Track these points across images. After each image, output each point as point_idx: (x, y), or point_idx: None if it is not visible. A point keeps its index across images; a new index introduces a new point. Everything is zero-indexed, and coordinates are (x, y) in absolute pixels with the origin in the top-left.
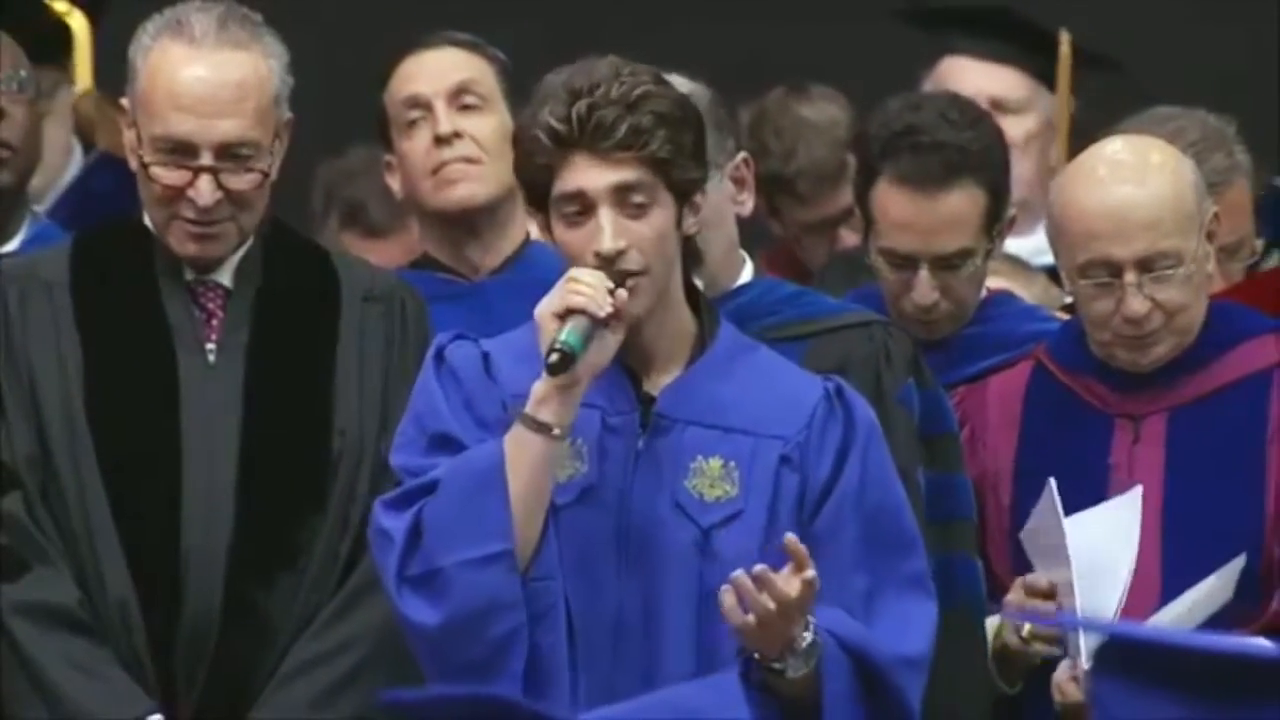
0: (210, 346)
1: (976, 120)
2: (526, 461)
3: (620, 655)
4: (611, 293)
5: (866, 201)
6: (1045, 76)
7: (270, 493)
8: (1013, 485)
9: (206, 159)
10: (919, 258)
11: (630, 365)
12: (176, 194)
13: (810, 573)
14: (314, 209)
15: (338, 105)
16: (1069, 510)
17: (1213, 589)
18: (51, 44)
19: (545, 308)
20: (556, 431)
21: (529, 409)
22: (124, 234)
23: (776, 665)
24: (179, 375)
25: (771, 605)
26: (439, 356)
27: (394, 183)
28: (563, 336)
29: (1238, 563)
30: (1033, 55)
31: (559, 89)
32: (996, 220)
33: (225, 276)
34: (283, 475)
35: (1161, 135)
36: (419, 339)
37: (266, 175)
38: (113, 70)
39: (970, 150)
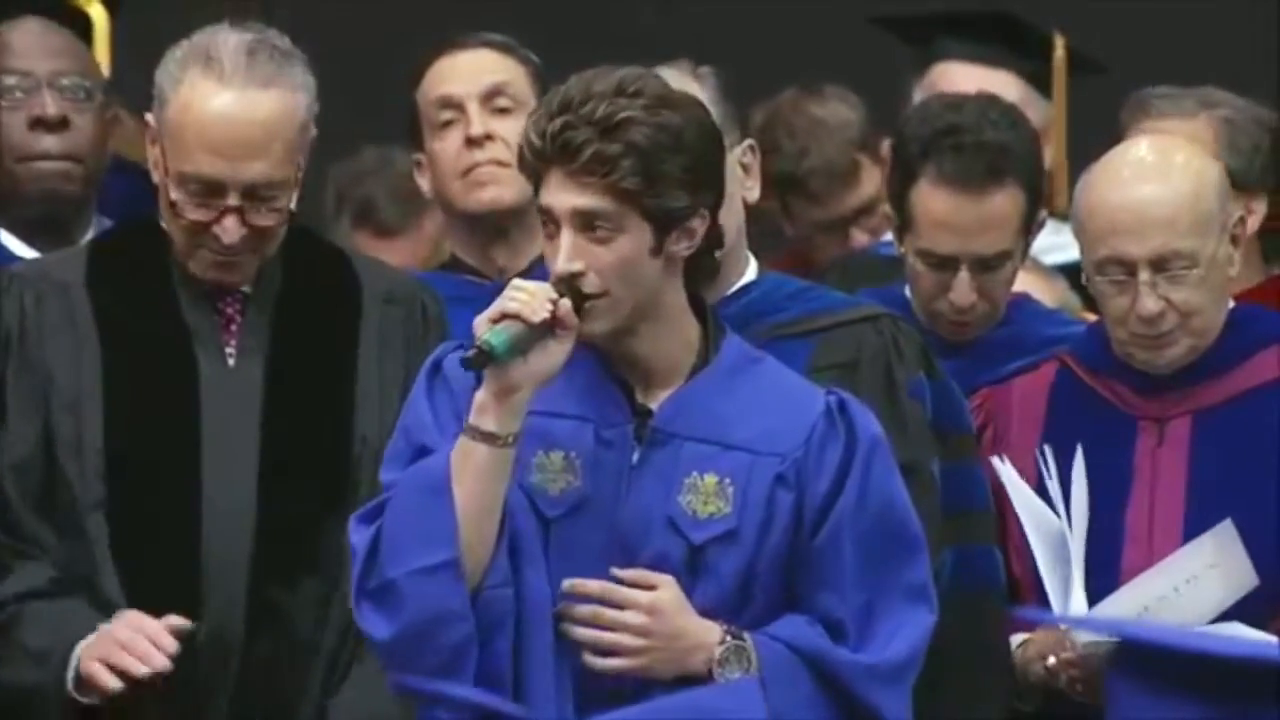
0: (230, 350)
1: (1016, 120)
2: (471, 471)
3: None
4: (554, 302)
5: (904, 202)
6: (1038, 80)
7: (291, 497)
8: (1036, 487)
9: (233, 199)
10: (959, 259)
11: (624, 379)
12: (203, 229)
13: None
14: (326, 209)
15: (349, 106)
16: (1091, 510)
17: (1196, 564)
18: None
19: (481, 315)
20: (500, 440)
21: (471, 418)
22: (140, 235)
23: (713, 682)
24: (199, 379)
25: (589, 609)
26: (435, 368)
27: (423, 182)
28: (486, 335)
29: (1225, 531)
30: (1026, 60)
31: (553, 99)
32: (1032, 221)
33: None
34: (303, 479)
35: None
36: (439, 341)
37: (290, 210)
38: (131, 61)
39: (1013, 150)
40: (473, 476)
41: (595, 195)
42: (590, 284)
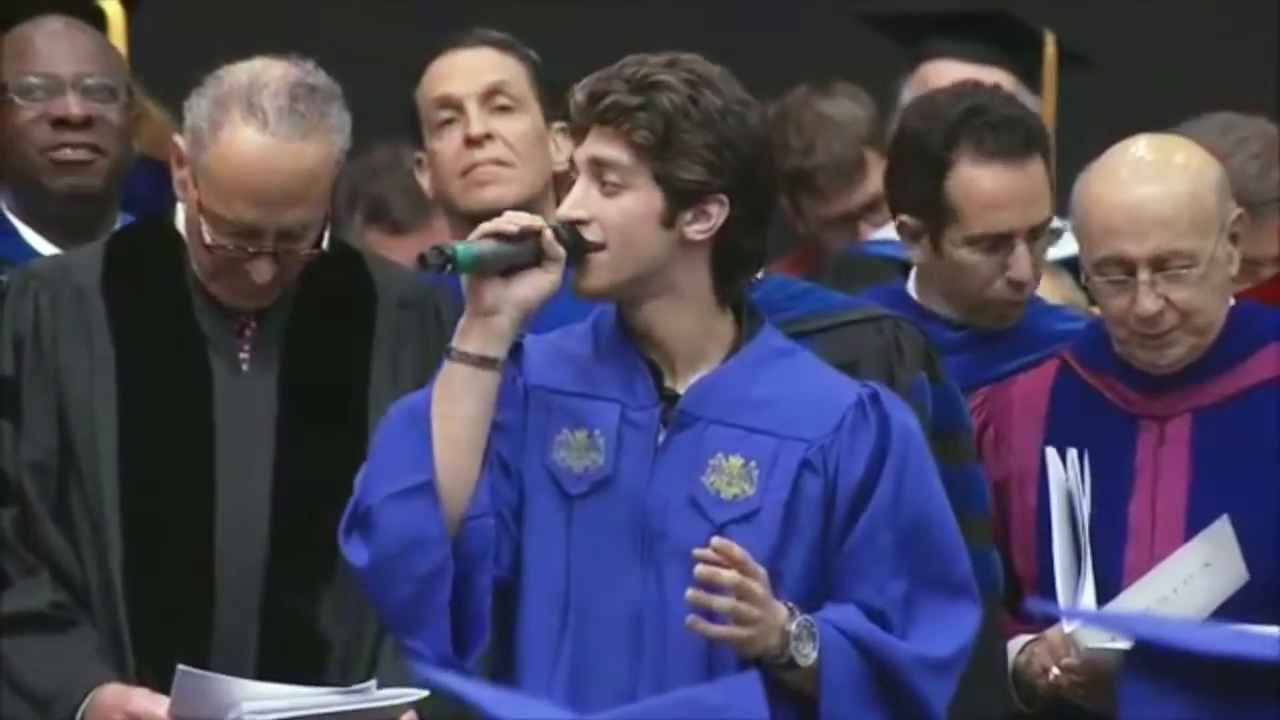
0: (244, 356)
1: (1017, 99)
2: (451, 394)
3: (631, 648)
4: (540, 230)
5: (940, 196)
6: (1028, 78)
7: (306, 502)
8: (1038, 486)
9: (268, 243)
10: (1014, 233)
11: (652, 361)
12: (234, 264)
13: (739, 552)
14: (338, 206)
15: (360, 103)
16: (1094, 506)
17: (1193, 564)
18: None
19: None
20: (480, 361)
21: (454, 341)
22: (156, 237)
23: (784, 660)
24: (213, 383)
25: (737, 576)
26: None
27: (424, 181)
28: (456, 243)
29: (1220, 530)
30: (1017, 57)
31: (613, 66)
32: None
33: None
34: (318, 484)
35: (1224, 144)
36: None
37: (321, 246)
38: (147, 56)
39: (1035, 123)
40: (453, 399)
41: (611, 145)
42: (592, 232)
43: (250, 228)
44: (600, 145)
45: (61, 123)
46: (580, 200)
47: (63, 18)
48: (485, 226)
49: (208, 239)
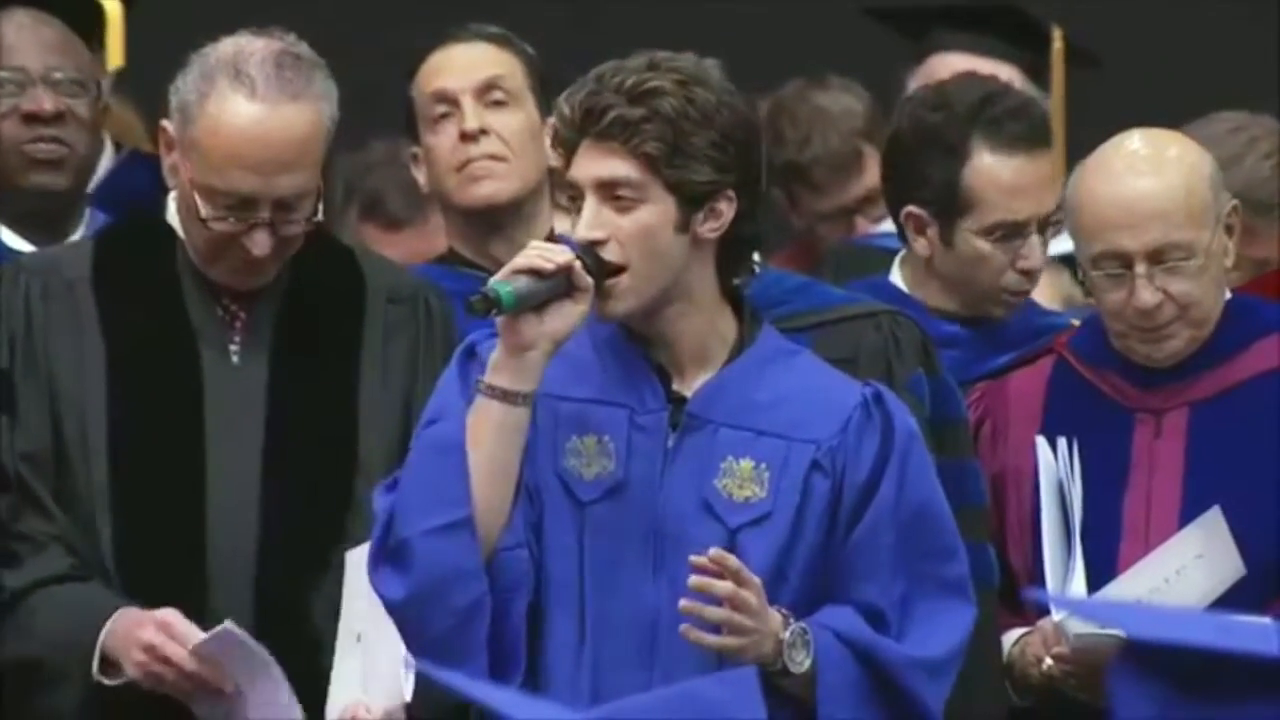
0: (234, 348)
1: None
2: (486, 429)
3: (645, 652)
4: (569, 261)
5: (957, 186)
6: (1035, 73)
7: (296, 494)
8: (1034, 482)
9: (264, 213)
10: (1029, 223)
11: (660, 365)
12: (230, 239)
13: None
14: (334, 201)
15: (357, 98)
16: (1089, 502)
17: (1185, 555)
18: (83, 25)
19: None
20: (515, 397)
21: (487, 376)
22: (147, 231)
23: (778, 666)
24: (203, 376)
25: (730, 587)
26: (470, 352)
27: (420, 175)
28: (492, 282)
29: (1212, 520)
30: (1024, 52)
31: (589, 75)
32: None
33: None
34: (308, 476)
35: (1235, 145)
36: (445, 339)
37: (316, 217)
38: (144, 53)
39: (1043, 113)
40: (487, 435)
41: (619, 162)
42: (611, 253)
43: (245, 198)
44: (604, 163)
45: (33, 118)
46: (594, 220)
47: (30, 10)
48: (518, 262)
49: (203, 213)
